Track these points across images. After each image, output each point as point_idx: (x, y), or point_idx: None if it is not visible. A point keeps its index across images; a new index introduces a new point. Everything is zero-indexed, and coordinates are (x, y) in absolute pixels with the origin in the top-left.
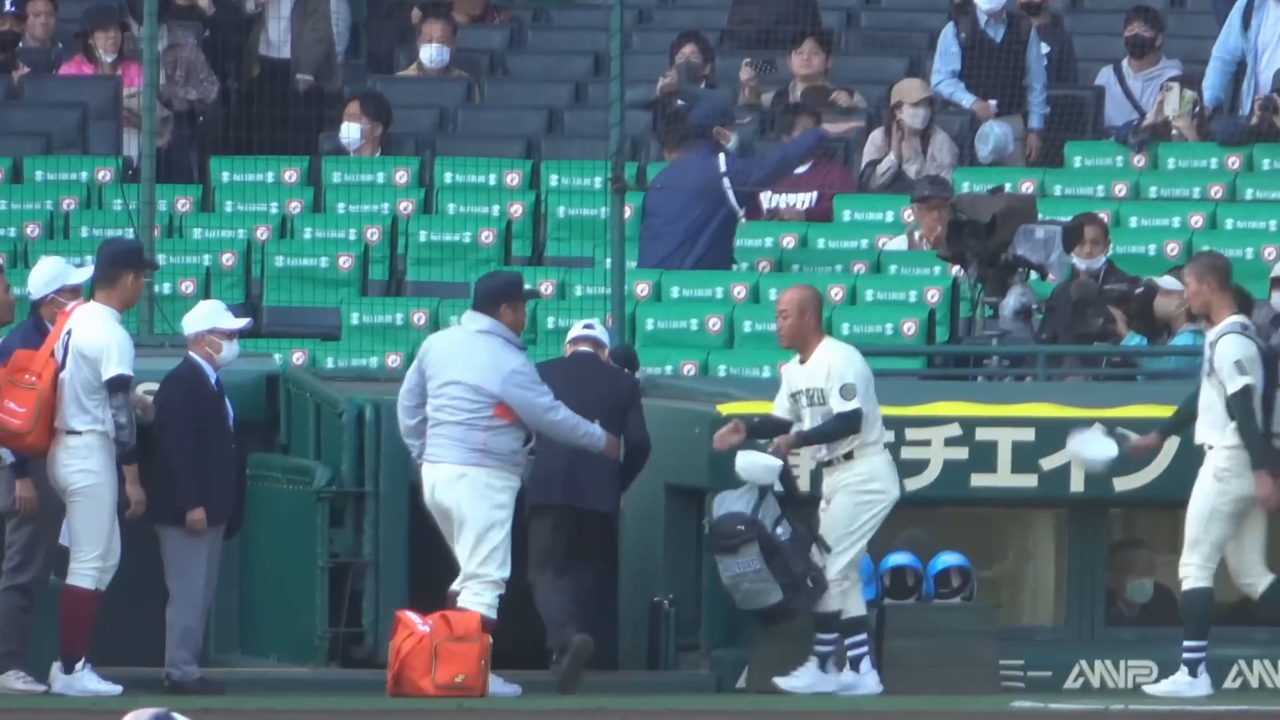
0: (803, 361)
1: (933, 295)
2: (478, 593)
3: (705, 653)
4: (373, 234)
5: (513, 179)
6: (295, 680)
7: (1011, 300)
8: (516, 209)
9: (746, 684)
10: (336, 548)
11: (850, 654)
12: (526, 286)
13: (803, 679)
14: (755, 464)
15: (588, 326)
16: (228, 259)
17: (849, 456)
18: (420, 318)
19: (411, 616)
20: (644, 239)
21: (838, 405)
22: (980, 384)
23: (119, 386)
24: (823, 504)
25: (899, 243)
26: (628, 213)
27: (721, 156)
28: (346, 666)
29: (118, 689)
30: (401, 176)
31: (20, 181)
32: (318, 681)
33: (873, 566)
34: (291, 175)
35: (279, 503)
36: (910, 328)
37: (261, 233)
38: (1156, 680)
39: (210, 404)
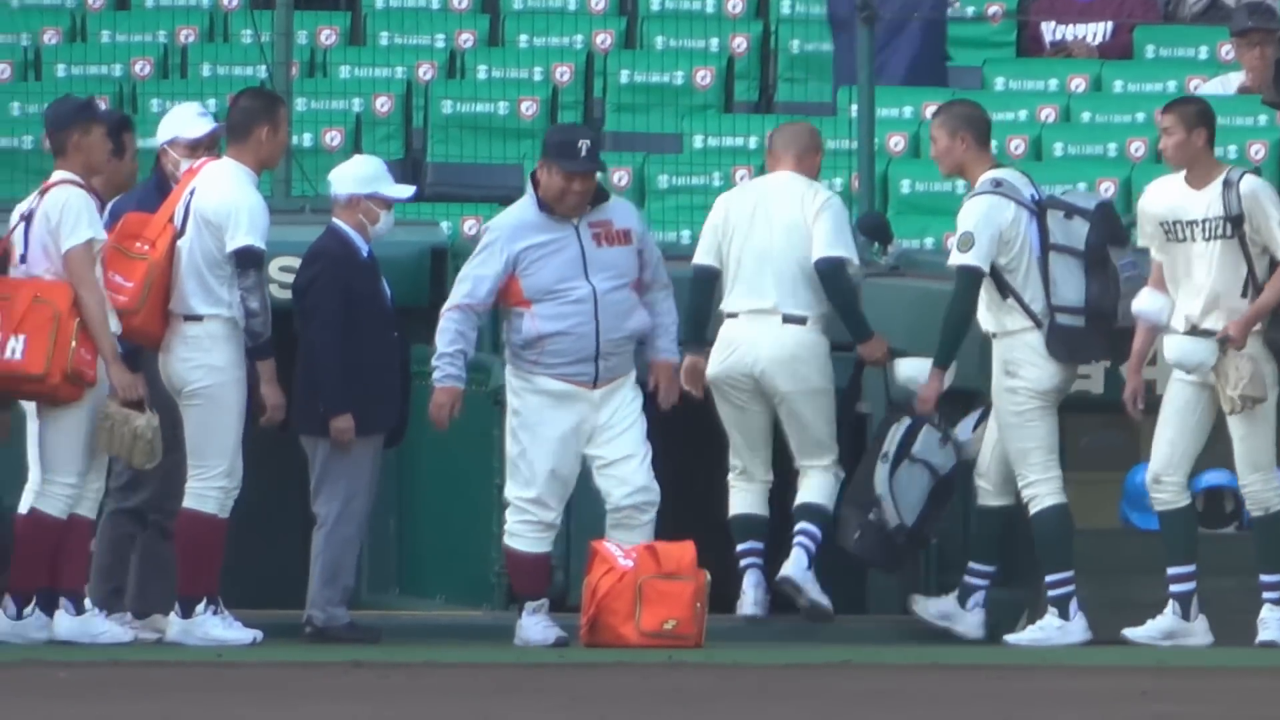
0: None
1: (1257, 151)
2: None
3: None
4: (562, 74)
5: (735, 6)
6: (467, 626)
7: None
8: (740, 43)
9: None
10: None
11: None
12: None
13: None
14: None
15: None
16: (383, 104)
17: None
18: (621, 177)
19: (611, 548)
20: None
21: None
22: None
23: (249, 261)
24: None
25: (1214, 85)
26: None
27: None
28: None
29: (249, 636)
30: (599, 2)
31: (127, 8)
32: (494, 628)
33: None
34: (462, 0)
35: None
36: None
37: (425, 71)
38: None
39: (364, 284)
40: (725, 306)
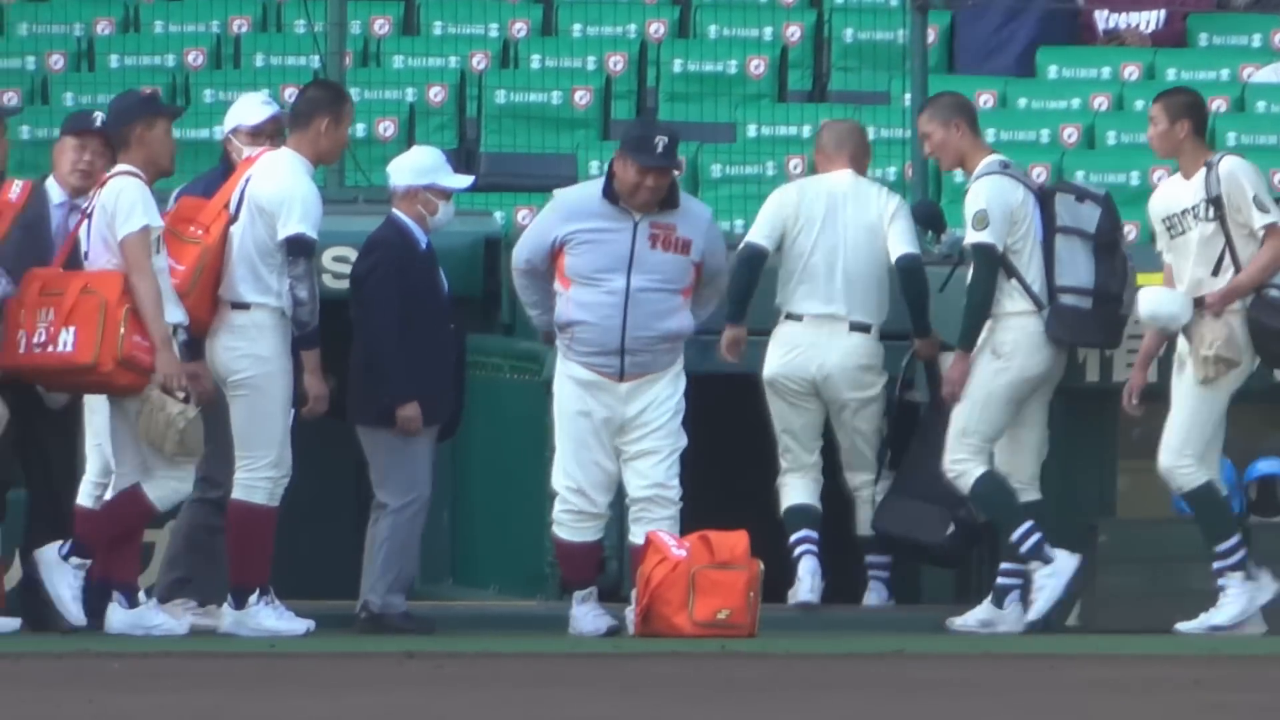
0: None
1: None
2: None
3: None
4: (616, 63)
5: None
6: (520, 616)
7: None
8: (793, 32)
9: (1079, 622)
10: None
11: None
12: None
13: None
14: None
15: None
16: (436, 94)
17: None
18: None
19: (664, 538)
20: None
21: None
22: None
23: (299, 250)
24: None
25: (1269, 73)
26: (931, 36)
27: None
28: None
29: (301, 626)
30: None
31: None
32: (548, 618)
33: (1236, 475)
34: None
35: (501, 397)
36: None
37: (478, 61)
38: None
39: (422, 275)
40: (787, 306)
